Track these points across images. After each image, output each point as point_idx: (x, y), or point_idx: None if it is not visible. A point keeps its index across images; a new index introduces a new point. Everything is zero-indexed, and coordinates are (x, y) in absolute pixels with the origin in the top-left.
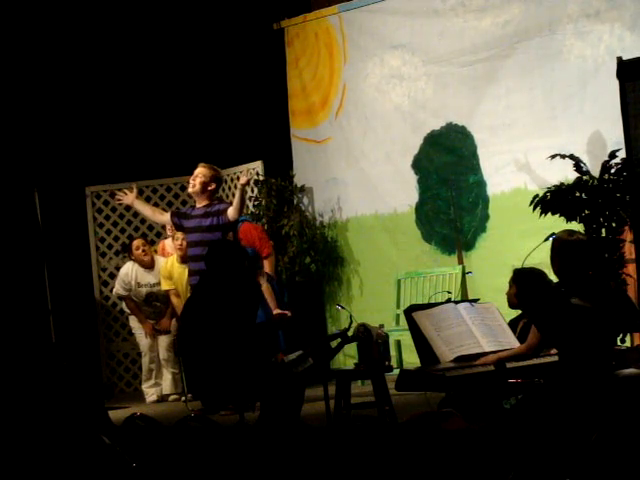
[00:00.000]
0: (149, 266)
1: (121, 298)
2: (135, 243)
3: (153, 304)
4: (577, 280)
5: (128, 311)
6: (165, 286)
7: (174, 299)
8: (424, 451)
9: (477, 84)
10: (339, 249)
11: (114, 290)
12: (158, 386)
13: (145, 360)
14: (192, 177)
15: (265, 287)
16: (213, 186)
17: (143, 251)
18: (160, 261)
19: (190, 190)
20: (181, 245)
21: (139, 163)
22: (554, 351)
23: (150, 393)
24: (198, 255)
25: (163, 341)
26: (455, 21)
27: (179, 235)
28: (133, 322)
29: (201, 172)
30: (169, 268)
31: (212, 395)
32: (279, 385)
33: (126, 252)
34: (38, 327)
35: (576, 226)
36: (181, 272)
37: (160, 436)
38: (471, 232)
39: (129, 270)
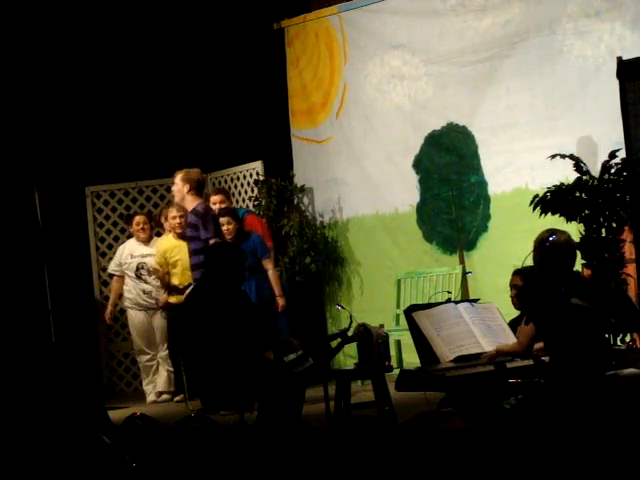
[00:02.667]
0: (145, 241)
1: (112, 276)
2: (137, 219)
3: (142, 278)
4: (561, 277)
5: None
6: (157, 260)
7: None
8: (424, 451)
9: (477, 84)
10: (339, 249)
11: (108, 268)
12: (153, 383)
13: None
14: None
15: (272, 272)
16: (187, 187)
17: (142, 228)
18: (158, 242)
19: (176, 202)
20: (180, 223)
21: (139, 163)
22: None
23: (149, 392)
24: (200, 264)
25: (162, 338)
26: (455, 21)
27: (174, 213)
28: (130, 317)
29: (173, 182)
30: (164, 246)
31: (212, 394)
32: (279, 385)
33: (127, 223)
34: (38, 327)
35: (576, 226)
36: (179, 248)
37: (160, 436)
38: (472, 232)
39: (125, 247)
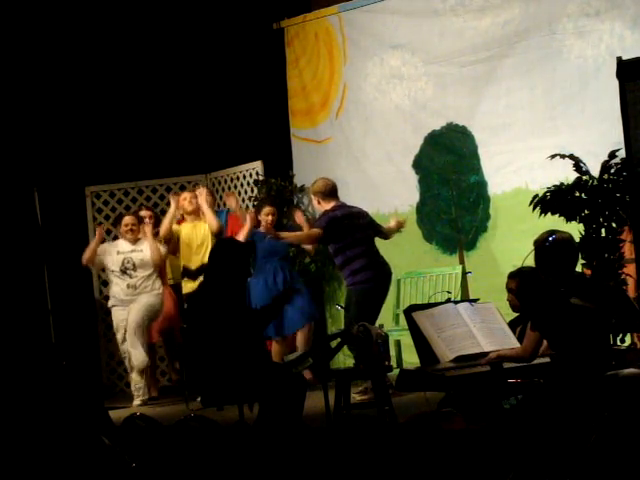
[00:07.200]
0: (133, 241)
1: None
2: (125, 219)
3: (127, 273)
4: (564, 278)
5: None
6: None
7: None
8: (424, 451)
9: (477, 84)
10: None
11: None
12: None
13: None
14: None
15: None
16: (316, 200)
17: (131, 229)
18: (146, 242)
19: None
20: (190, 202)
21: (139, 163)
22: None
23: (137, 395)
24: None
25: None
26: (455, 21)
27: (186, 195)
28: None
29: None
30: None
31: (213, 391)
32: (279, 385)
33: (115, 225)
34: (38, 327)
35: (576, 226)
36: (193, 228)
37: (160, 436)
38: (472, 232)
39: (112, 243)
